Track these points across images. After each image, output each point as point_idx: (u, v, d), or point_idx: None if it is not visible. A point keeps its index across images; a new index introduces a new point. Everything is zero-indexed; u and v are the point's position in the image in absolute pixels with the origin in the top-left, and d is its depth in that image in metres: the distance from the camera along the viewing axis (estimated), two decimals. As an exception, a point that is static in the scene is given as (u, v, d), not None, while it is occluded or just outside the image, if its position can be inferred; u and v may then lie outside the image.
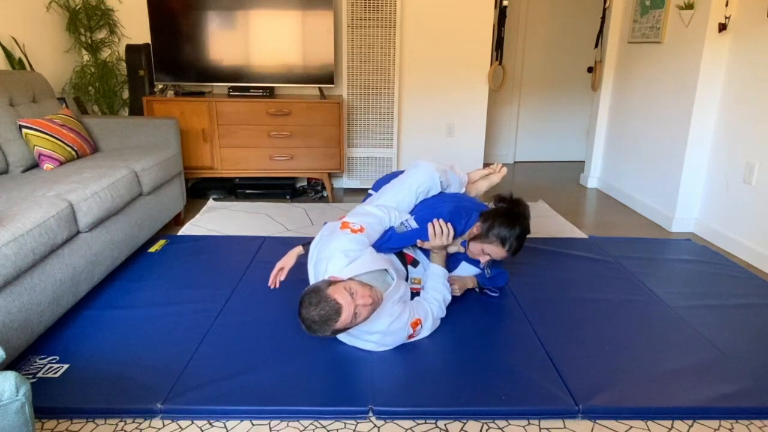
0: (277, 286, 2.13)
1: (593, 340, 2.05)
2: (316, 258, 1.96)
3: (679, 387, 1.78)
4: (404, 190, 2.16)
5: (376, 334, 1.88)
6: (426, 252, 2.27)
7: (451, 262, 2.31)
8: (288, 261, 2.15)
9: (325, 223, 2.14)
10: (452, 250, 2.21)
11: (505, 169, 2.49)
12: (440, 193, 2.25)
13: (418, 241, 2.09)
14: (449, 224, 2.05)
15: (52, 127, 2.67)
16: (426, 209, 2.12)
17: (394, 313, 1.89)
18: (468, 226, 2.12)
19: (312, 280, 2.00)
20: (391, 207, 2.13)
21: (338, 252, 1.88)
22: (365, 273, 1.86)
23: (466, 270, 2.33)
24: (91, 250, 2.20)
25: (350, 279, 1.79)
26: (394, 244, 2.10)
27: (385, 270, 1.97)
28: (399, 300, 1.94)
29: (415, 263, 2.27)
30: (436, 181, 2.18)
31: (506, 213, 2.06)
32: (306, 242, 2.16)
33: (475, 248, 2.09)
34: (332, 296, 1.69)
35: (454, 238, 2.10)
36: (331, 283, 1.75)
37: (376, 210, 2.08)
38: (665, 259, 2.89)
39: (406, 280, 2.24)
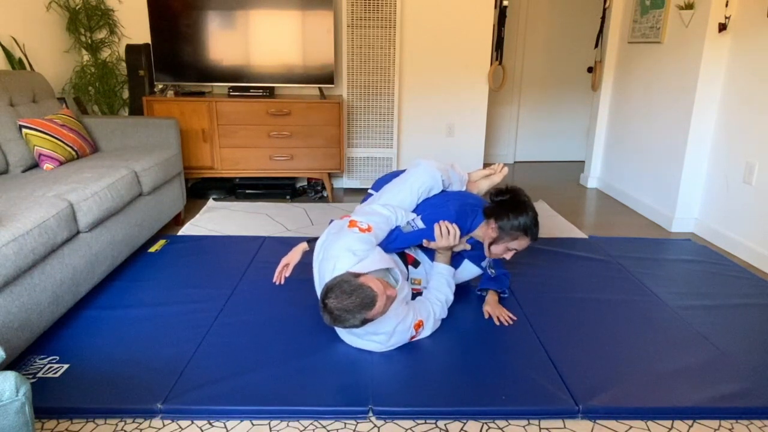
0: (282, 282, 2.13)
1: (593, 340, 2.05)
2: (322, 257, 1.95)
3: (679, 387, 1.78)
4: (405, 189, 2.15)
5: (381, 335, 1.88)
6: (427, 252, 2.27)
7: (454, 262, 2.30)
8: (293, 257, 2.14)
9: (332, 220, 2.13)
10: (458, 248, 2.20)
11: (506, 169, 2.47)
12: (442, 191, 2.25)
13: (424, 241, 2.09)
14: (455, 225, 2.05)
15: (52, 127, 2.67)
16: (432, 209, 2.11)
17: (399, 315, 1.89)
18: (475, 224, 2.11)
19: (317, 279, 1.99)
20: (397, 206, 2.12)
21: (346, 251, 1.86)
22: (372, 271, 1.86)
23: (468, 271, 2.32)
24: (91, 250, 2.20)
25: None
26: (401, 244, 2.10)
27: (390, 269, 1.96)
28: (403, 300, 1.94)
29: (416, 264, 2.27)
30: (438, 180, 2.17)
31: (513, 205, 2.05)
32: (311, 239, 2.15)
33: (498, 249, 2.07)
34: (367, 284, 1.69)
35: (460, 237, 2.09)
36: (358, 274, 1.74)
37: (383, 209, 2.07)
38: (665, 259, 2.89)
39: (407, 280, 2.23)
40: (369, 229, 1.95)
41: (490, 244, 2.08)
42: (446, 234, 2.03)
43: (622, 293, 2.46)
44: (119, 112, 4.03)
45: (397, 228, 2.08)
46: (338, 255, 1.86)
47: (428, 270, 2.28)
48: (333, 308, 1.68)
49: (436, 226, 2.04)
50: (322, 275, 1.91)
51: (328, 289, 1.71)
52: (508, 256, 2.09)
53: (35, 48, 3.43)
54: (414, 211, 2.15)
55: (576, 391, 1.74)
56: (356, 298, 1.66)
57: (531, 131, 5.51)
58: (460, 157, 4.34)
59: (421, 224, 2.07)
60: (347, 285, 1.69)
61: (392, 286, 1.79)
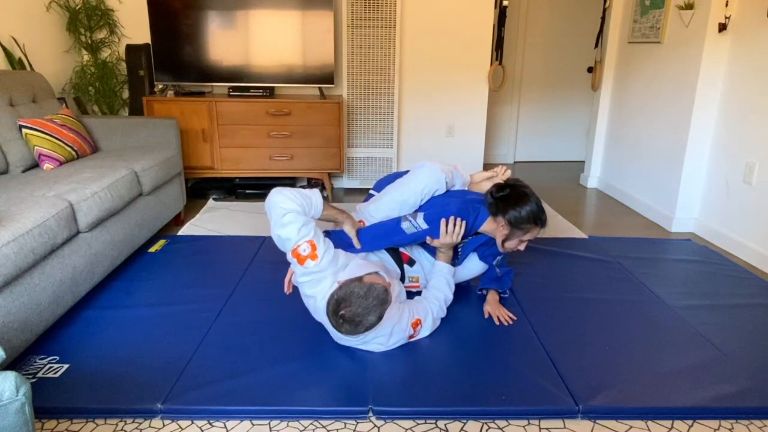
0: (291, 291, 2.13)
1: (593, 340, 2.05)
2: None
3: (679, 387, 1.78)
4: (408, 191, 2.14)
5: (380, 337, 1.89)
6: (426, 250, 2.27)
7: (456, 260, 2.30)
8: None
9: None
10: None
11: (509, 172, 2.45)
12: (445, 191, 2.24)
13: (428, 238, 2.09)
14: (463, 221, 2.06)
15: (52, 127, 2.67)
16: (434, 208, 2.11)
17: (394, 317, 1.89)
18: (479, 220, 2.11)
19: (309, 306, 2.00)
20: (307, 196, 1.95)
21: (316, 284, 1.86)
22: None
23: (469, 269, 2.32)
24: (91, 250, 2.20)
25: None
26: (403, 243, 2.12)
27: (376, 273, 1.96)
28: (395, 300, 1.94)
29: (411, 262, 2.27)
30: (442, 182, 2.16)
31: (517, 198, 2.06)
32: None
33: (512, 244, 2.11)
34: (373, 281, 1.72)
35: (466, 233, 2.10)
36: (359, 278, 1.75)
37: (294, 218, 1.82)
38: (665, 259, 2.89)
39: (402, 279, 2.23)
40: (314, 255, 1.80)
41: (504, 241, 2.10)
42: (452, 231, 2.04)
43: (622, 293, 2.46)
44: (119, 112, 4.02)
45: (401, 231, 2.07)
46: (315, 294, 1.86)
47: (426, 268, 2.28)
48: (354, 314, 1.68)
49: (442, 222, 2.04)
50: (313, 307, 1.93)
51: (339, 301, 1.71)
52: (522, 247, 2.13)
53: (35, 48, 3.42)
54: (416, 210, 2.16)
55: (576, 391, 1.74)
56: (372, 299, 1.69)
57: (531, 131, 5.51)
58: (460, 157, 4.34)
59: (423, 224, 2.07)
60: (358, 289, 1.70)
61: (385, 278, 1.81)
